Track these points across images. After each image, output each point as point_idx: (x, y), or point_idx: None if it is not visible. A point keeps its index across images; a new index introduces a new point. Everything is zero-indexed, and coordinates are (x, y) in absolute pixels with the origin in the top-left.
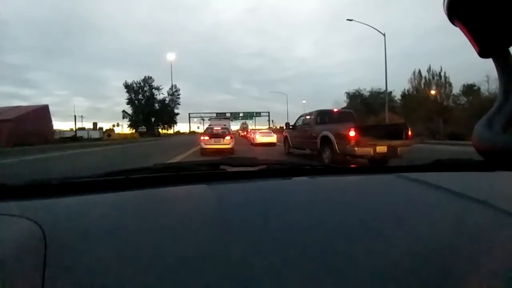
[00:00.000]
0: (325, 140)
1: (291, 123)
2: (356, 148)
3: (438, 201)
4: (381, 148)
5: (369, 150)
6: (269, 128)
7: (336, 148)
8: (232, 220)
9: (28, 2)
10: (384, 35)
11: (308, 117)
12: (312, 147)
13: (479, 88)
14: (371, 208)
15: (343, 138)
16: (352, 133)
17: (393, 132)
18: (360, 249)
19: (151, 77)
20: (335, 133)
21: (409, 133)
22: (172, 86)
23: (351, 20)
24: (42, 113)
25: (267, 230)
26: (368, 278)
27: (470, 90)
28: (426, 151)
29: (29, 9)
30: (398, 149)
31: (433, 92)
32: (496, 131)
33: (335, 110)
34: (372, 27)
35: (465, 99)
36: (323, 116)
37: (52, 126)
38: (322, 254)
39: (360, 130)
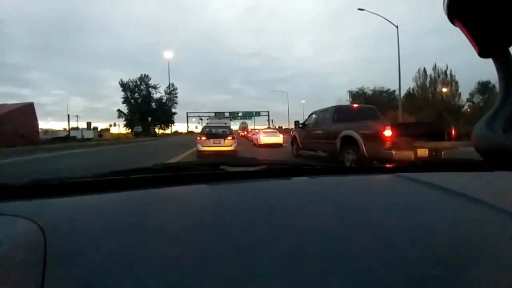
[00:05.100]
0: (348, 141)
1: (291, 122)
2: (393, 152)
3: (438, 201)
4: (423, 152)
5: (409, 154)
6: (269, 127)
7: (364, 150)
8: (232, 220)
9: (25, 1)
10: (397, 27)
11: (322, 114)
12: (329, 148)
13: (494, 86)
14: (371, 208)
15: (375, 139)
16: (387, 133)
17: (434, 132)
18: (360, 249)
19: (147, 75)
20: (362, 132)
21: (453, 132)
22: (169, 84)
23: (362, 9)
24: (26, 112)
25: (267, 230)
26: (369, 278)
27: (485, 87)
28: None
29: (26, 9)
30: (442, 152)
31: (444, 90)
32: (496, 131)
33: (355, 105)
34: (384, 18)
35: (480, 97)
36: (342, 113)
37: (37, 125)
38: (322, 254)
39: (398, 129)
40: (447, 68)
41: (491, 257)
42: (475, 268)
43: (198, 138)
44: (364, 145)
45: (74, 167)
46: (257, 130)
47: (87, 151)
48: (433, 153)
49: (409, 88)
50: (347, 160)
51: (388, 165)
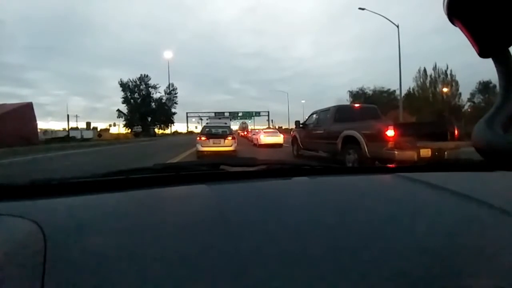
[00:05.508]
0: (349, 140)
1: (291, 122)
2: (396, 152)
3: (438, 201)
4: (425, 152)
5: (412, 154)
6: (269, 127)
7: (366, 150)
8: (232, 220)
9: (25, 1)
10: (397, 26)
11: (323, 114)
12: (330, 149)
13: (494, 86)
14: (371, 208)
15: (377, 139)
16: (390, 133)
17: (437, 132)
18: (360, 249)
19: (147, 75)
20: (363, 132)
21: (456, 132)
22: (169, 84)
23: (363, 9)
24: (25, 112)
25: (267, 230)
26: (368, 277)
27: (486, 87)
28: None
29: (26, 9)
30: (446, 153)
31: (444, 90)
32: (496, 131)
33: (357, 105)
34: (385, 17)
35: (481, 97)
36: (343, 113)
37: (36, 125)
38: (322, 254)
39: (400, 128)
40: (447, 68)
41: (491, 256)
42: (475, 267)
43: (198, 138)
44: (366, 145)
45: (72, 168)
46: (257, 130)
47: (85, 152)
48: (436, 153)
49: (410, 88)
50: (348, 160)
51: (388, 165)
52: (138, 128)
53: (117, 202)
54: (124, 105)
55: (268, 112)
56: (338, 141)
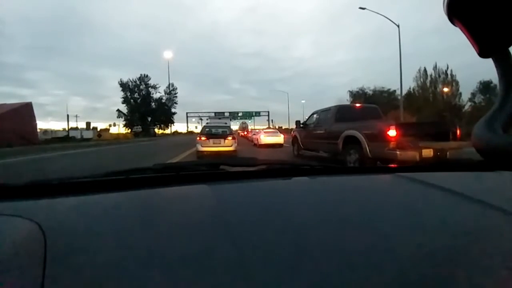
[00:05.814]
0: (350, 141)
1: (291, 122)
2: (398, 152)
3: (438, 201)
4: (427, 152)
5: (414, 154)
6: (269, 127)
7: (368, 151)
8: (232, 220)
9: (25, 1)
10: (398, 26)
11: (324, 114)
12: (331, 149)
13: (495, 86)
14: (371, 208)
15: (379, 139)
16: (392, 133)
17: (439, 132)
18: (360, 249)
19: (147, 75)
20: (365, 132)
21: (458, 132)
22: (169, 84)
23: (364, 8)
24: (24, 112)
25: (267, 230)
26: (368, 278)
27: (486, 87)
28: None
29: (26, 9)
30: (448, 153)
31: (445, 89)
32: (496, 131)
33: (358, 105)
34: (386, 17)
35: (482, 97)
36: (344, 113)
37: (35, 125)
38: (322, 254)
39: (402, 128)
40: (447, 67)
41: (491, 256)
42: (475, 267)
43: (198, 138)
44: (368, 145)
45: (70, 168)
46: (257, 130)
47: (85, 152)
48: (438, 153)
49: (410, 88)
50: (349, 160)
51: (387, 165)
52: (138, 128)
53: (117, 202)
54: (124, 105)
55: (268, 112)
56: (339, 141)
